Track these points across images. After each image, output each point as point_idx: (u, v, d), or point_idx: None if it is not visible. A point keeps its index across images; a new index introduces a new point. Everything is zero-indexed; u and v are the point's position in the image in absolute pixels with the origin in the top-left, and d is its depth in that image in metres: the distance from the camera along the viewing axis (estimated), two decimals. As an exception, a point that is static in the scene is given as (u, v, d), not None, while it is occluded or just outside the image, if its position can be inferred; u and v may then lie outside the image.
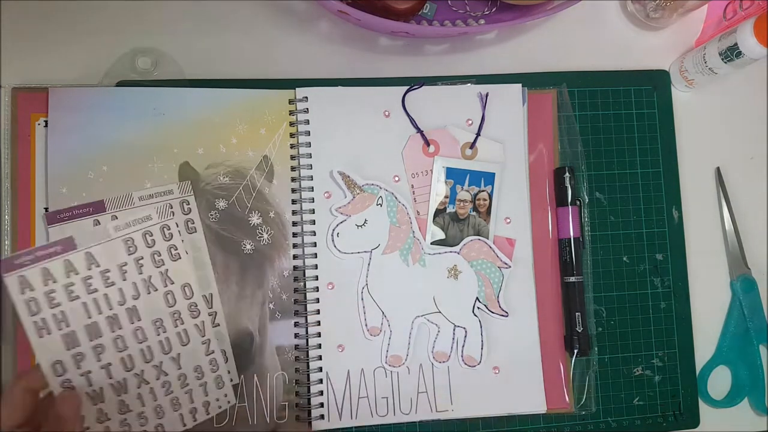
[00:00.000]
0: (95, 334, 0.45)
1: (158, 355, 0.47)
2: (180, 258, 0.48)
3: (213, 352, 0.49)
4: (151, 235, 0.47)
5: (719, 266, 0.60)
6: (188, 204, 0.52)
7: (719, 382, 0.59)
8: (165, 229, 0.47)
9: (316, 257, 0.53)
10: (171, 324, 0.48)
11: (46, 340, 0.44)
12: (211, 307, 0.51)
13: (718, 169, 0.61)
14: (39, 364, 0.43)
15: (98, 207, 0.50)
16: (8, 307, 0.50)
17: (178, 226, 0.49)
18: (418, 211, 0.54)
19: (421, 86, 0.55)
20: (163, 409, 0.48)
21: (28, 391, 0.42)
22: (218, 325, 0.51)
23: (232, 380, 0.51)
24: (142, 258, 0.47)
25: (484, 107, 0.56)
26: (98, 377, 0.45)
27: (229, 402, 0.50)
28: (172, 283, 0.48)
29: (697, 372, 0.58)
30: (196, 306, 0.49)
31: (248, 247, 0.52)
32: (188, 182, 0.52)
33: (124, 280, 0.46)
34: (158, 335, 0.47)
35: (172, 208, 0.51)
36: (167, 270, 0.47)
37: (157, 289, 0.47)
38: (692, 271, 0.59)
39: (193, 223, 0.52)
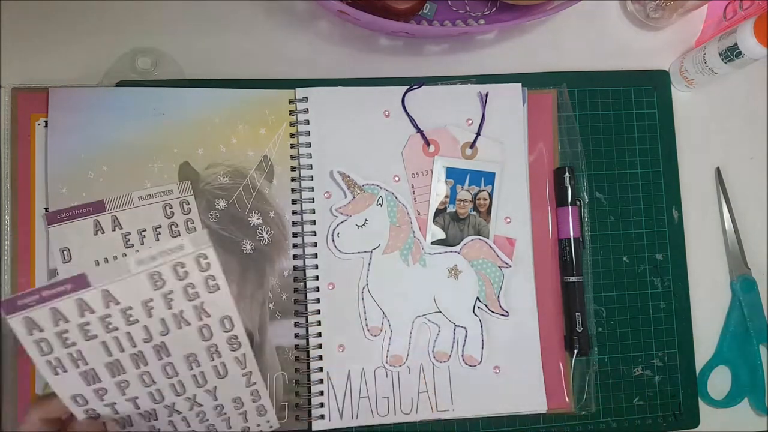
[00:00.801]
0: (118, 371, 0.42)
1: (191, 388, 0.44)
2: (219, 289, 0.42)
3: (255, 383, 0.46)
4: (184, 267, 0.41)
5: (719, 266, 0.60)
6: (188, 204, 0.52)
7: (719, 382, 0.59)
8: (201, 259, 0.41)
9: (316, 257, 0.53)
10: (206, 358, 0.44)
11: (62, 377, 0.41)
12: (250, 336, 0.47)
13: (718, 169, 0.61)
14: (56, 394, 0.41)
15: (98, 207, 0.50)
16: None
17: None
18: (418, 211, 0.54)
19: (421, 86, 0.55)
20: None
21: (46, 422, 0.41)
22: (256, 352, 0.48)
23: (275, 406, 0.49)
24: (172, 292, 0.41)
25: (484, 107, 0.56)
26: (124, 408, 0.43)
27: (271, 426, 0.48)
28: (209, 316, 0.43)
29: (697, 372, 0.58)
30: (237, 338, 0.44)
31: (248, 247, 0.52)
32: (188, 182, 0.52)
33: (150, 316, 0.41)
34: (191, 369, 0.44)
35: (172, 208, 0.51)
36: (203, 303, 0.42)
37: (189, 324, 0.43)
38: (692, 271, 0.59)
39: (193, 223, 0.52)
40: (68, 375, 0.41)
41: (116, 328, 0.41)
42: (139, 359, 0.42)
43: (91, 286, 0.39)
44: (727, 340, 0.59)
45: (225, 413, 0.46)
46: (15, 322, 0.39)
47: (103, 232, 0.50)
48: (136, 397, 0.43)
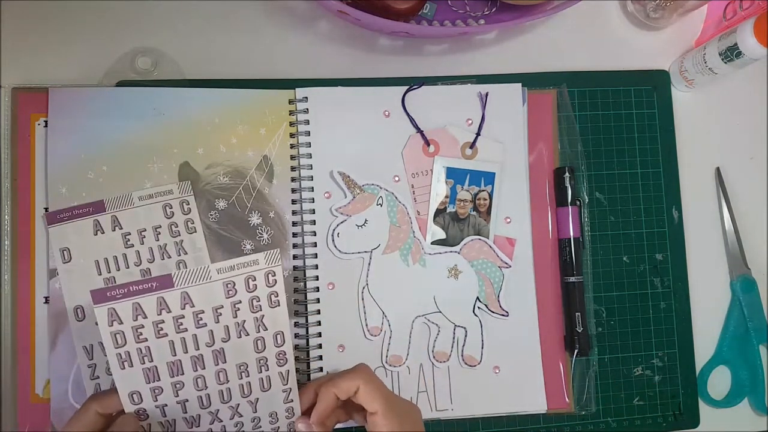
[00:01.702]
0: (177, 372, 0.44)
1: (236, 397, 0.46)
2: (279, 305, 0.46)
3: (292, 401, 0.47)
4: (254, 280, 0.45)
5: (719, 266, 0.60)
6: (188, 204, 0.52)
7: (719, 382, 0.59)
8: (270, 275, 0.45)
9: (316, 257, 0.53)
10: (255, 369, 0.46)
11: (127, 372, 0.43)
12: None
13: (717, 169, 0.61)
14: (116, 390, 0.44)
15: (98, 207, 0.50)
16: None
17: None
18: (418, 211, 0.54)
19: (421, 86, 0.55)
20: None
21: (101, 416, 0.43)
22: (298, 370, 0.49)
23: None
24: (240, 302, 0.45)
25: (484, 107, 0.56)
26: (173, 411, 0.45)
27: None
28: (266, 329, 0.46)
29: (697, 372, 0.58)
30: (285, 354, 0.47)
31: (248, 247, 0.52)
32: (188, 182, 0.52)
33: (217, 322, 0.44)
34: (240, 379, 0.46)
35: (172, 208, 0.51)
36: (263, 316, 0.46)
37: (248, 334, 0.45)
38: (692, 271, 0.59)
39: (193, 223, 0.52)
40: (133, 370, 0.43)
41: (185, 329, 0.44)
42: (197, 362, 0.45)
43: (174, 287, 0.43)
44: (727, 340, 0.59)
45: (260, 427, 0.47)
46: (100, 312, 0.42)
47: (103, 232, 0.50)
48: (186, 400, 0.45)
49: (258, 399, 0.47)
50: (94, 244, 0.50)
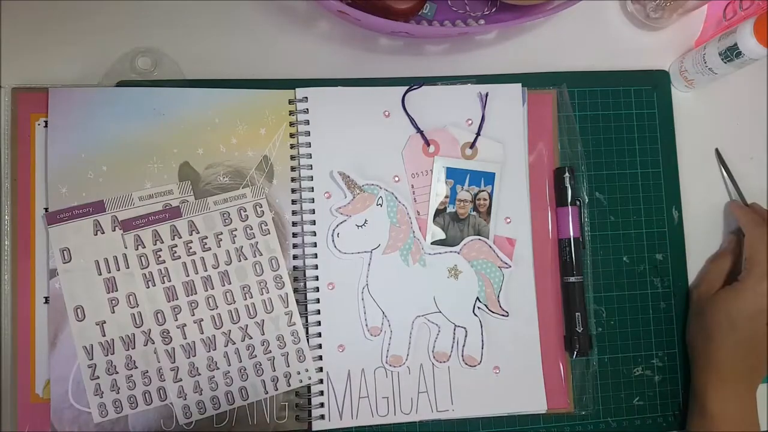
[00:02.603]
0: (192, 291, 0.50)
1: (244, 318, 0.51)
2: (269, 233, 0.52)
3: (295, 324, 0.52)
4: (245, 211, 0.52)
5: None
6: (187, 203, 0.52)
7: None
8: (257, 207, 0.52)
9: (316, 257, 0.53)
10: (257, 291, 0.51)
11: (152, 291, 0.50)
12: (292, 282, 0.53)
13: (717, 150, 0.60)
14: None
15: (98, 207, 0.50)
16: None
17: (268, 206, 0.53)
18: (418, 211, 0.54)
19: (420, 86, 0.55)
20: (247, 371, 0.51)
21: None
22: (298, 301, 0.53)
23: (313, 357, 0.52)
24: (236, 230, 0.51)
25: (484, 107, 0.56)
26: (192, 331, 0.50)
27: (310, 378, 0.52)
28: (261, 254, 0.52)
29: None
30: (281, 278, 0.52)
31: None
32: (188, 182, 0.52)
33: (219, 246, 0.51)
34: (245, 299, 0.51)
35: (173, 207, 0.51)
36: (257, 243, 0.52)
37: (246, 258, 0.51)
38: (692, 271, 0.59)
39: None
40: (156, 289, 0.50)
41: (194, 253, 0.51)
42: (207, 282, 0.51)
43: (182, 217, 0.51)
44: None
45: (270, 351, 0.51)
46: (128, 237, 0.50)
47: (103, 232, 0.50)
48: (202, 319, 0.51)
49: (264, 321, 0.51)
50: (94, 244, 0.50)
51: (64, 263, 0.50)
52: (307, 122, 0.54)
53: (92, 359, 0.49)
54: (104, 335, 0.50)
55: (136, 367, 0.50)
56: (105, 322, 0.50)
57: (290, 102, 0.54)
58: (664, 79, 0.61)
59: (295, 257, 0.53)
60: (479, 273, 0.54)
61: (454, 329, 0.54)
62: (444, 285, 0.54)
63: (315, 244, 0.53)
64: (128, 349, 0.50)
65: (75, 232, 0.50)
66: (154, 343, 0.50)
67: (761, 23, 0.51)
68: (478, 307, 0.54)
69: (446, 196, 0.54)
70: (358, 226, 0.53)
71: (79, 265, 0.50)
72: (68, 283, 0.50)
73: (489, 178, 0.55)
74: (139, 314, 0.50)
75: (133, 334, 0.50)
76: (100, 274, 0.50)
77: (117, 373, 0.49)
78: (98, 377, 0.49)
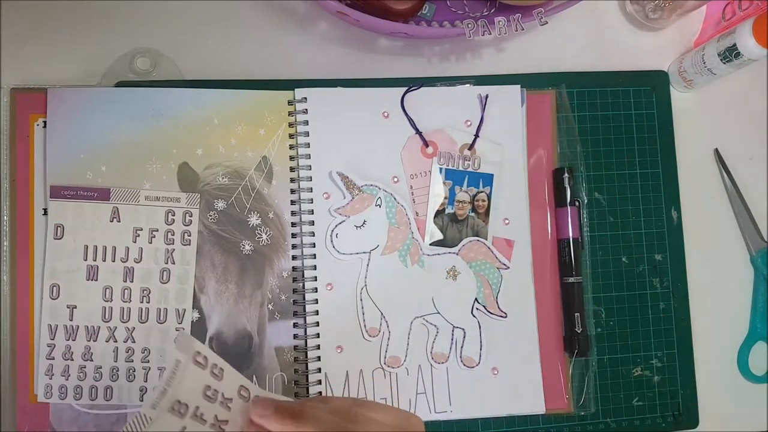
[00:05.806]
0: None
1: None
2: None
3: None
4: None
5: (719, 266, 0.60)
6: (191, 216, 0.52)
7: (758, 358, 0.59)
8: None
9: (315, 258, 0.53)
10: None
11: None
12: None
13: (716, 150, 0.60)
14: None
15: (103, 194, 0.51)
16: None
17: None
18: (416, 212, 0.54)
19: (419, 87, 0.55)
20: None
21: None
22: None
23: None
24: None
25: (483, 108, 0.56)
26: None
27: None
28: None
29: (736, 351, 0.58)
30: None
31: (247, 247, 0.52)
32: (197, 195, 0.52)
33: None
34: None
35: (174, 215, 0.51)
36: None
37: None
38: (691, 271, 0.59)
39: (190, 235, 0.52)
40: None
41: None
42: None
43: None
44: (758, 316, 0.59)
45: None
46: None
47: (99, 221, 0.50)
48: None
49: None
50: (88, 229, 0.50)
51: (55, 239, 0.50)
52: (306, 123, 0.54)
53: (53, 339, 0.50)
54: (71, 319, 0.50)
55: (92, 360, 0.50)
56: (76, 307, 0.50)
57: (289, 102, 0.54)
58: (663, 79, 0.61)
59: (294, 258, 0.53)
60: (478, 274, 0.54)
61: (453, 330, 0.54)
62: (442, 286, 0.54)
63: (314, 245, 0.53)
64: (89, 340, 0.50)
65: (74, 211, 0.50)
66: (116, 341, 0.50)
67: (760, 24, 0.51)
68: (477, 308, 0.54)
69: (445, 197, 0.54)
70: (356, 227, 0.53)
71: (68, 243, 0.50)
72: (51, 260, 0.50)
73: (487, 179, 0.55)
74: (110, 309, 0.50)
75: (99, 327, 0.50)
76: (86, 259, 0.50)
77: (72, 360, 0.50)
78: (53, 358, 0.49)
